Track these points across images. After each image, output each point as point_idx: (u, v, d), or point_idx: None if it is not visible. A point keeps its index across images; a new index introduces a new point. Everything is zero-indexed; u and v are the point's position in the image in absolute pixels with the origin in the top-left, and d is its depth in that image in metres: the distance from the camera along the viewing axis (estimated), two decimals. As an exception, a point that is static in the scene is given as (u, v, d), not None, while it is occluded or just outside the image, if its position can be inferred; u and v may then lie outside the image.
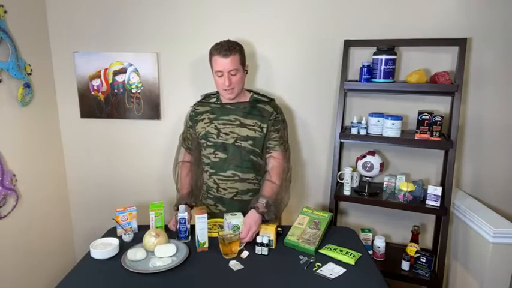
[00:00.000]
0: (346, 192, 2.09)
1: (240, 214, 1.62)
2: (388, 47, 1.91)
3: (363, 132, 2.03)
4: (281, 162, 1.80)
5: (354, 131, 2.05)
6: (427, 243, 2.24)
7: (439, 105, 2.07)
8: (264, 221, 1.66)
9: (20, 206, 2.03)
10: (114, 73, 2.25)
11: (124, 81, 2.26)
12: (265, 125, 1.79)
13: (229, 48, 1.69)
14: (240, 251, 1.57)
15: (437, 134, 1.91)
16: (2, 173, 1.89)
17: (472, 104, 2.05)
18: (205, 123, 1.83)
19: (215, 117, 1.81)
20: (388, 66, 1.92)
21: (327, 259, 1.52)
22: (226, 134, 1.78)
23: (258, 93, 1.88)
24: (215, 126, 1.80)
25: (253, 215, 1.63)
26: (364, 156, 2.06)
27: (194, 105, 1.92)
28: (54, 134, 2.36)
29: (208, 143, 1.82)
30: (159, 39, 2.21)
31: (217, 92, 1.88)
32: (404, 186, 1.99)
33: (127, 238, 1.65)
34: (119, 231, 1.71)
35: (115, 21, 2.22)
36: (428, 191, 1.94)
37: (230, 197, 1.83)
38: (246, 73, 1.82)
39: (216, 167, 1.82)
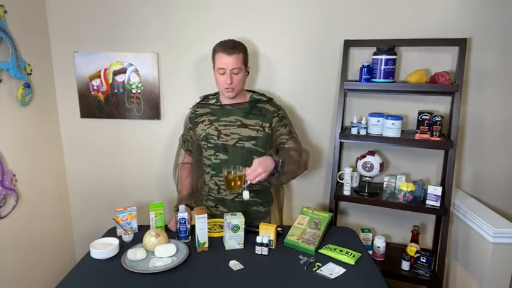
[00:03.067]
0: (346, 192, 2.09)
1: (240, 214, 1.62)
2: (388, 47, 1.91)
3: (363, 132, 2.03)
4: (298, 146, 1.83)
5: (354, 131, 2.05)
6: (427, 243, 2.24)
7: (439, 105, 2.07)
8: (273, 174, 1.63)
9: (20, 206, 2.03)
10: (114, 73, 2.25)
11: (124, 81, 2.26)
12: (267, 124, 1.79)
13: (234, 46, 1.71)
14: (242, 192, 1.58)
15: (437, 134, 1.91)
16: (2, 173, 1.89)
17: (472, 104, 2.05)
18: (205, 125, 1.83)
19: (215, 118, 1.81)
20: (388, 66, 1.92)
21: (327, 259, 1.52)
22: (226, 135, 1.78)
23: (258, 93, 1.88)
24: (215, 127, 1.80)
25: (265, 157, 1.62)
26: (364, 156, 2.06)
27: (193, 106, 1.92)
28: (54, 134, 2.36)
29: (208, 145, 1.81)
30: (159, 39, 2.21)
31: (217, 93, 1.88)
32: (404, 186, 1.99)
33: (127, 238, 1.65)
34: (119, 231, 1.71)
35: (115, 21, 2.22)
36: (428, 191, 1.93)
37: (231, 198, 1.83)
38: (248, 74, 1.82)
39: (217, 169, 1.82)
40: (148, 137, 2.36)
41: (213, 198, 1.87)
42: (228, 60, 1.69)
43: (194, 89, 2.22)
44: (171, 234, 1.66)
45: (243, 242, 1.60)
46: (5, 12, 1.88)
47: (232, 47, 1.70)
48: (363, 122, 2.03)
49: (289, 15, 2.11)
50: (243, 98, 1.83)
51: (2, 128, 1.92)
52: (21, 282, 2.08)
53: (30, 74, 2.06)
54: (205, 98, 1.90)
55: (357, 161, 2.11)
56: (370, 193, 2.07)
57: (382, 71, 1.93)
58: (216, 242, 1.62)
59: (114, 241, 1.58)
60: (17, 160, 2.01)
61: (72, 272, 1.46)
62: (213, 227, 1.74)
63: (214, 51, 1.76)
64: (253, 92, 1.89)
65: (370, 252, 2.08)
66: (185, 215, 1.64)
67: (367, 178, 2.10)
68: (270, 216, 1.97)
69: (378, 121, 1.99)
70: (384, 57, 1.91)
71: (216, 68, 1.73)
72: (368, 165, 2.03)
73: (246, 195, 1.57)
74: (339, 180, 2.14)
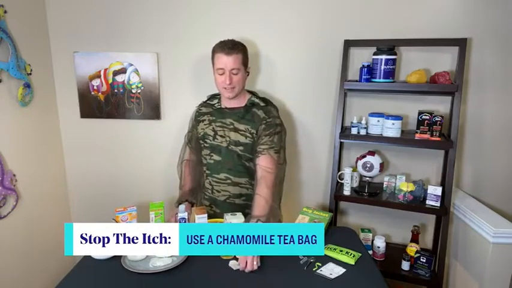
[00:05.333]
0: (346, 192, 2.09)
1: (240, 214, 1.62)
2: (388, 47, 1.91)
3: (363, 132, 2.03)
4: (269, 171, 1.67)
5: (354, 131, 2.05)
6: (427, 243, 2.24)
7: (439, 105, 2.07)
8: None
9: (20, 206, 2.03)
10: (114, 73, 2.25)
11: (124, 81, 2.26)
12: (254, 131, 1.75)
13: (233, 46, 1.70)
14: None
15: (437, 134, 1.91)
16: (2, 173, 1.89)
17: (472, 104, 2.05)
18: (204, 125, 1.84)
19: (214, 119, 1.82)
20: (388, 66, 1.92)
21: (327, 259, 1.52)
22: (221, 136, 1.79)
23: (258, 97, 1.86)
24: (213, 128, 1.80)
25: None
26: (364, 156, 2.06)
27: (199, 105, 1.93)
28: (54, 134, 2.36)
29: (205, 144, 1.82)
30: (159, 39, 2.21)
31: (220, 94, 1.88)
32: (404, 186, 1.99)
33: (127, 238, 1.65)
34: (119, 231, 1.70)
35: (115, 21, 2.22)
36: (428, 191, 1.93)
37: (223, 200, 1.83)
38: (248, 74, 1.82)
39: (211, 169, 1.82)
40: (148, 137, 2.36)
41: (208, 197, 1.88)
42: (226, 61, 1.68)
43: (194, 89, 2.22)
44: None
45: (243, 242, 1.59)
46: (5, 12, 1.88)
47: (231, 47, 1.69)
48: (363, 122, 2.02)
49: (289, 15, 2.10)
50: (242, 101, 1.82)
51: (2, 128, 1.92)
52: (21, 282, 2.08)
53: (30, 74, 2.06)
54: (212, 97, 1.90)
55: (357, 161, 2.10)
56: (370, 193, 2.06)
57: (382, 71, 1.93)
58: (216, 242, 1.62)
59: (114, 241, 1.57)
60: (17, 160, 2.01)
61: (72, 272, 1.46)
62: (213, 227, 1.74)
63: (214, 51, 1.74)
64: (254, 94, 1.87)
65: (370, 252, 2.08)
66: (185, 214, 1.64)
67: (367, 178, 2.10)
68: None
69: (378, 121, 1.99)
70: (383, 57, 1.91)
71: (215, 68, 1.73)
72: (368, 165, 2.03)
73: (233, 265, 1.49)
74: (339, 180, 2.14)
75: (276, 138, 1.73)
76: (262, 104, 1.82)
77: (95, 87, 2.29)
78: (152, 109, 2.29)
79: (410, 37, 1.98)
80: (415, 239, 2.08)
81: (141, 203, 2.05)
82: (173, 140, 2.19)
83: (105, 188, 2.45)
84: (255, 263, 1.45)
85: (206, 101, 1.91)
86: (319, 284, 1.38)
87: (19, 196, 2.02)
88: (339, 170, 2.15)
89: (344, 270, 1.45)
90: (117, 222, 1.69)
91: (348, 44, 2.04)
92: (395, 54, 1.92)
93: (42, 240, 2.23)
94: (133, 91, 2.27)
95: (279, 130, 1.77)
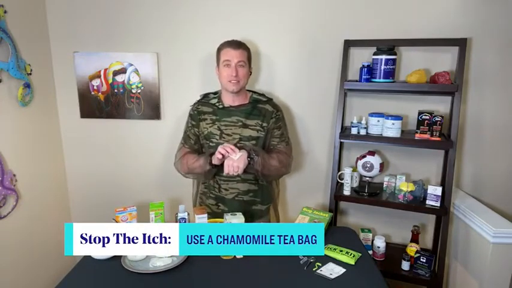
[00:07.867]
0: (346, 192, 2.09)
1: (240, 214, 1.62)
2: (388, 47, 1.91)
3: (363, 132, 2.03)
4: (284, 152, 1.86)
5: (354, 131, 2.05)
6: (427, 243, 2.24)
7: (439, 105, 2.07)
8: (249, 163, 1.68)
9: (20, 206, 2.03)
10: (114, 73, 2.25)
11: (124, 81, 2.26)
12: (265, 124, 1.81)
13: (239, 43, 1.79)
14: None
15: (437, 134, 1.91)
16: (2, 173, 1.89)
17: (472, 104, 2.05)
18: (207, 124, 1.84)
19: (217, 118, 1.82)
20: (388, 66, 1.92)
21: (327, 259, 1.52)
22: (228, 135, 1.79)
23: (257, 93, 1.90)
24: (218, 127, 1.81)
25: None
26: (364, 156, 2.06)
27: (194, 104, 1.92)
28: (54, 134, 2.36)
29: (210, 144, 1.82)
30: (159, 39, 2.21)
31: (217, 92, 1.88)
32: (404, 186, 1.99)
33: (127, 238, 1.65)
34: (119, 231, 1.70)
35: (115, 21, 2.22)
36: (428, 191, 1.93)
37: (231, 197, 1.84)
38: (250, 74, 1.84)
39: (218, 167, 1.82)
40: (148, 137, 2.36)
41: (214, 196, 1.88)
42: (233, 54, 1.74)
43: (194, 89, 2.22)
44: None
45: (243, 242, 1.59)
46: (5, 12, 1.88)
47: (238, 43, 1.77)
48: (363, 122, 2.03)
49: (289, 15, 2.10)
50: (244, 99, 1.84)
51: (2, 128, 1.92)
52: (21, 282, 2.08)
53: (30, 74, 2.06)
54: (206, 96, 1.91)
55: (357, 161, 2.10)
56: (370, 193, 2.06)
57: (382, 71, 1.93)
58: (216, 242, 1.62)
59: (114, 241, 1.57)
60: (17, 160, 2.01)
61: (72, 272, 1.46)
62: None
63: (219, 49, 1.80)
64: (253, 92, 1.90)
65: (370, 252, 2.08)
66: (185, 214, 1.65)
67: (367, 178, 2.10)
68: (270, 214, 1.97)
69: (378, 121, 1.99)
70: (383, 57, 1.91)
71: (222, 61, 1.76)
72: (368, 165, 2.03)
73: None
74: (339, 180, 2.14)
75: (284, 130, 1.90)
76: (264, 99, 1.88)
77: (95, 87, 2.29)
78: (152, 109, 2.29)
79: (410, 37, 1.98)
80: (415, 239, 2.08)
81: (141, 203, 2.05)
82: (173, 139, 2.19)
83: (105, 188, 2.45)
84: (235, 164, 1.62)
85: (201, 100, 1.91)
86: (319, 284, 1.38)
87: (19, 196, 2.02)
88: (339, 170, 2.15)
89: (344, 270, 1.45)
90: (117, 222, 1.69)
91: (348, 44, 2.05)
92: (395, 54, 1.92)
93: (42, 240, 2.23)
94: (134, 91, 2.27)
95: (285, 123, 1.93)
